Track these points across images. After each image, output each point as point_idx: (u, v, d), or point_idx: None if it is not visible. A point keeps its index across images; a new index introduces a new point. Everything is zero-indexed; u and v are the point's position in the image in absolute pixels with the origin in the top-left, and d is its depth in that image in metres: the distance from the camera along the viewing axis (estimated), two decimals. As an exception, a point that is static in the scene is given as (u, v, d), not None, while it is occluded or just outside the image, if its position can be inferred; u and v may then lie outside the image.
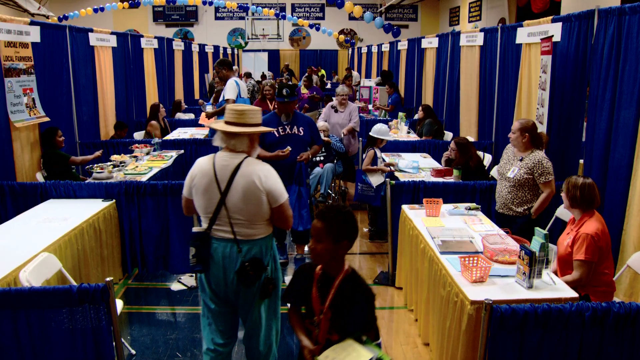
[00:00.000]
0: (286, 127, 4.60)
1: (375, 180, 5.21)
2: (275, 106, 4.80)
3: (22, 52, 4.98)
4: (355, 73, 15.64)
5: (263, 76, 15.78)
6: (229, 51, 19.15)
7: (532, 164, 3.64)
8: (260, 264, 2.60)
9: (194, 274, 4.50)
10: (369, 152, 5.34)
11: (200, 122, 7.53)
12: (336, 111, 6.73)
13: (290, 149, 4.41)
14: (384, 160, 5.53)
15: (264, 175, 2.58)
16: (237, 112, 2.65)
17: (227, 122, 2.67)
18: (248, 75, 12.81)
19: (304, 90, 10.76)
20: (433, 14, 21.20)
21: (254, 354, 2.80)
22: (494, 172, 5.48)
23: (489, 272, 2.77)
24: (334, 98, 6.93)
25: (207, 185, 2.60)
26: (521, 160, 3.73)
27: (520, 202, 3.72)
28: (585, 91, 4.46)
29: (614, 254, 3.91)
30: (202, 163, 2.67)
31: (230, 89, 5.78)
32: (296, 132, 4.60)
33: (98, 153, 5.56)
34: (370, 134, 5.38)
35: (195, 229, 2.67)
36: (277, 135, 4.56)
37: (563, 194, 3.19)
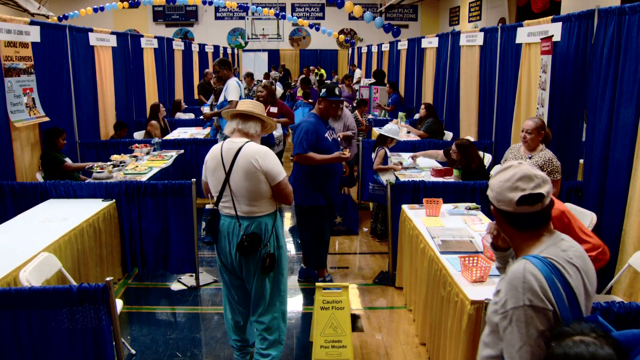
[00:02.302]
0: (331, 131, 4.22)
1: (387, 179, 5.20)
2: (321, 106, 4.18)
3: (22, 52, 4.98)
4: (358, 71, 15.56)
5: (266, 75, 15.13)
6: (229, 51, 19.15)
7: (542, 162, 3.63)
8: (258, 238, 2.89)
9: (193, 274, 4.51)
10: (379, 152, 5.30)
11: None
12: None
13: (350, 152, 4.18)
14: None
15: (261, 157, 2.87)
16: (251, 103, 3.08)
17: (240, 111, 3.04)
18: (251, 77, 11.76)
19: (300, 93, 10.62)
20: (433, 14, 21.21)
21: (262, 328, 3.05)
22: (494, 172, 5.48)
23: (489, 272, 2.77)
24: None
25: (215, 167, 2.96)
26: (530, 158, 3.72)
27: None
28: (585, 91, 4.46)
29: (614, 254, 3.91)
30: (214, 148, 3.04)
31: (233, 90, 5.74)
32: (337, 138, 4.37)
33: (89, 164, 5.34)
34: (381, 132, 5.35)
35: (207, 206, 3.00)
36: (330, 139, 4.17)
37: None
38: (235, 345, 3.24)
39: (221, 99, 5.98)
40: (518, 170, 1.61)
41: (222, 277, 3.13)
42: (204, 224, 2.97)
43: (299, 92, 10.63)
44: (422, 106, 7.62)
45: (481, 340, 1.71)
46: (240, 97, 5.73)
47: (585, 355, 1.21)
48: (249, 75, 11.69)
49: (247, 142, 2.93)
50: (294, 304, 4.22)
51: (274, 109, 6.77)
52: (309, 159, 4.01)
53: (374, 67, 14.17)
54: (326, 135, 4.11)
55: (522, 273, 1.50)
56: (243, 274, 3.01)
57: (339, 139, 4.36)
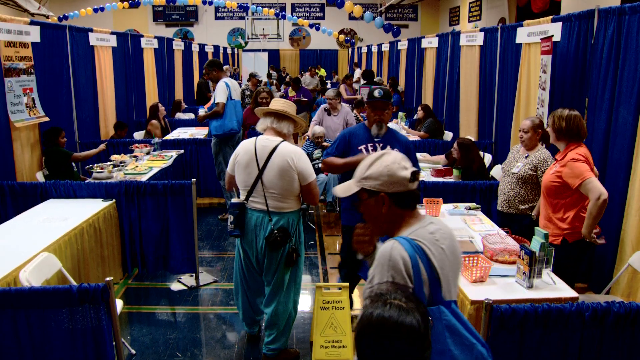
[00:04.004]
0: (378, 144, 3.53)
1: None
2: (365, 114, 3.71)
3: (22, 52, 4.98)
4: (358, 70, 15.51)
5: (269, 75, 14.78)
6: (229, 51, 19.16)
7: (537, 161, 3.64)
8: (287, 232, 3.08)
9: (193, 274, 4.50)
10: None
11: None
12: (329, 114, 6.51)
13: None
14: None
15: (297, 157, 3.05)
16: (285, 103, 3.23)
17: (275, 110, 3.17)
18: (255, 77, 11.30)
19: (291, 94, 10.38)
20: (433, 14, 21.21)
21: (274, 316, 3.24)
22: (494, 172, 5.48)
23: (489, 272, 2.77)
24: None
25: (247, 162, 3.09)
26: (527, 157, 3.73)
27: (522, 200, 3.71)
28: (585, 91, 4.46)
29: (613, 254, 3.92)
30: (246, 143, 3.16)
31: (220, 92, 5.65)
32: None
33: (102, 146, 5.58)
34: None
35: (234, 200, 3.15)
36: (366, 153, 3.51)
37: (549, 129, 3.26)
38: (247, 321, 3.52)
39: (212, 100, 5.91)
40: (394, 154, 1.77)
41: (241, 268, 3.29)
42: (231, 218, 3.10)
43: (290, 92, 10.43)
44: (419, 108, 7.63)
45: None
46: (229, 97, 5.68)
47: (392, 317, 1.30)
48: (254, 76, 11.28)
49: (282, 141, 3.10)
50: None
51: None
52: (330, 165, 3.59)
53: (374, 67, 14.17)
54: (362, 147, 3.50)
55: (389, 252, 1.61)
56: (264, 266, 3.17)
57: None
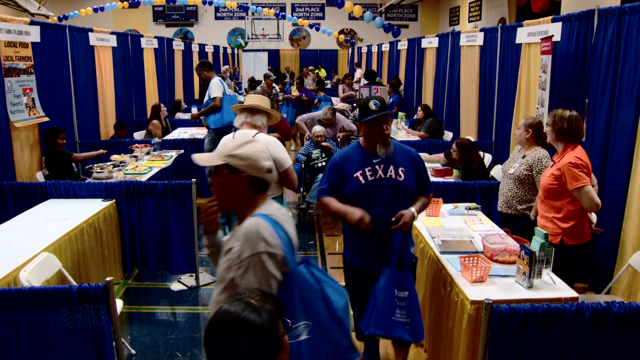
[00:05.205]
0: (377, 167, 2.79)
1: None
2: (362, 134, 2.92)
3: (22, 52, 4.98)
4: (359, 70, 15.49)
5: (266, 76, 14.36)
6: (229, 51, 19.15)
7: (532, 161, 3.64)
8: None
9: (193, 274, 4.50)
10: None
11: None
12: (324, 125, 6.66)
13: (370, 219, 2.68)
14: None
15: (272, 146, 3.22)
16: (258, 98, 3.43)
17: (248, 105, 3.40)
18: (269, 78, 10.66)
19: (295, 92, 10.39)
20: (433, 14, 21.21)
21: None
22: (494, 172, 5.48)
23: (489, 272, 2.77)
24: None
25: None
26: (523, 157, 3.73)
27: (520, 201, 3.72)
28: (585, 91, 4.46)
29: (614, 254, 3.92)
30: (226, 139, 3.36)
31: (216, 87, 5.78)
32: (393, 176, 2.80)
33: (102, 151, 5.61)
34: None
35: None
36: (364, 180, 2.79)
37: (549, 128, 3.28)
38: None
39: (206, 98, 6.00)
40: (262, 146, 1.98)
41: None
42: None
43: (294, 92, 10.40)
44: (419, 108, 7.63)
45: (211, 301, 1.89)
46: (224, 93, 5.77)
47: (235, 312, 1.36)
48: (268, 77, 10.86)
49: (257, 133, 3.31)
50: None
51: None
52: (325, 207, 2.91)
53: (374, 67, 14.17)
54: (358, 174, 2.79)
55: (255, 227, 1.78)
56: None
57: (400, 179, 2.82)
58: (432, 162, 5.60)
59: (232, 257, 1.79)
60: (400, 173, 2.80)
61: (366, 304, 2.77)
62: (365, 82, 10.22)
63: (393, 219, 2.72)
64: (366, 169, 2.79)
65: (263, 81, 10.67)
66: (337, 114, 7.06)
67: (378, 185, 2.78)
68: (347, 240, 2.96)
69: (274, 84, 10.54)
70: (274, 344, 1.37)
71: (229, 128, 5.70)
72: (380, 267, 2.76)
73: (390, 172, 2.79)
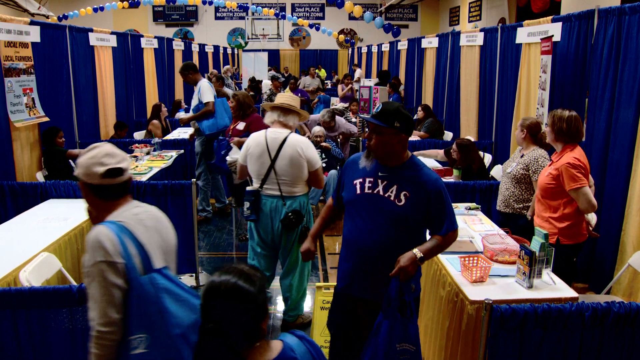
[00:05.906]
0: (380, 181, 2.39)
1: None
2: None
3: (22, 52, 4.98)
4: (359, 70, 15.48)
5: (274, 77, 13.67)
6: (229, 51, 19.15)
7: (529, 160, 3.65)
8: (300, 214, 3.38)
9: (193, 274, 4.51)
10: None
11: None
12: (325, 129, 6.65)
13: (313, 255, 2.66)
14: None
15: (305, 147, 3.37)
16: (290, 97, 3.53)
17: (281, 104, 3.45)
18: (276, 79, 10.73)
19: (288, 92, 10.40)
20: (433, 14, 21.20)
21: (290, 288, 3.62)
22: (494, 172, 5.48)
23: (489, 272, 2.77)
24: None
25: (260, 153, 3.38)
26: (522, 157, 3.74)
27: (517, 200, 3.72)
28: (585, 91, 4.46)
29: (614, 254, 3.92)
30: (256, 136, 3.46)
31: (207, 91, 5.64)
32: (392, 198, 2.36)
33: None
34: None
35: (249, 188, 3.44)
36: (359, 191, 2.42)
37: (548, 128, 3.29)
38: None
39: (194, 102, 5.79)
40: (102, 149, 1.90)
41: (254, 250, 3.57)
42: (247, 204, 3.40)
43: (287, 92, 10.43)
44: (419, 108, 7.63)
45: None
46: (215, 96, 5.69)
47: (232, 280, 1.48)
48: (275, 79, 10.71)
49: (290, 132, 3.42)
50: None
51: (240, 126, 5.30)
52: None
53: (374, 67, 14.16)
54: (357, 182, 2.43)
55: (95, 236, 1.75)
56: (281, 245, 3.49)
57: (400, 203, 2.34)
58: (430, 157, 5.58)
59: (83, 267, 1.80)
60: (402, 197, 2.33)
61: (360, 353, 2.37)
62: (377, 80, 10.31)
63: (396, 267, 2.27)
64: (367, 179, 2.41)
65: (270, 83, 10.70)
66: (337, 117, 7.04)
67: (371, 201, 2.37)
68: (340, 260, 2.57)
69: (281, 86, 10.53)
70: (264, 309, 1.52)
71: (222, 132, 5.68)
72: (368, 292, 2.42)
73: (391, 192, 2.35)
